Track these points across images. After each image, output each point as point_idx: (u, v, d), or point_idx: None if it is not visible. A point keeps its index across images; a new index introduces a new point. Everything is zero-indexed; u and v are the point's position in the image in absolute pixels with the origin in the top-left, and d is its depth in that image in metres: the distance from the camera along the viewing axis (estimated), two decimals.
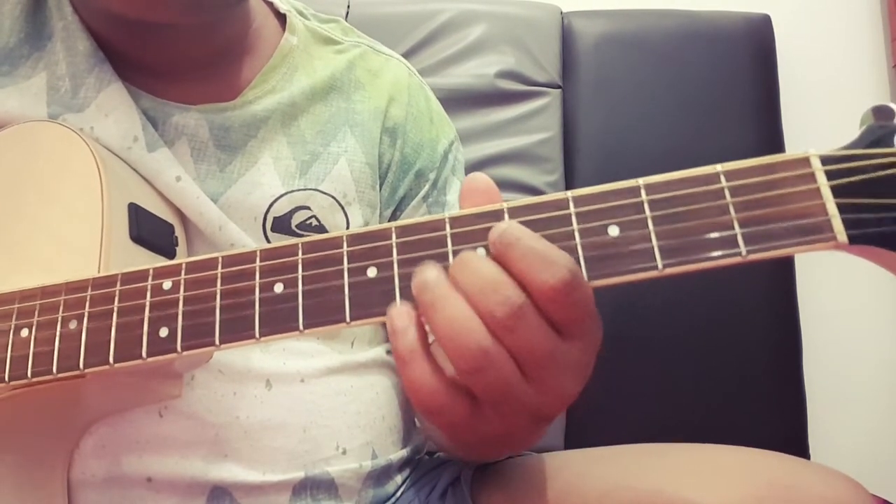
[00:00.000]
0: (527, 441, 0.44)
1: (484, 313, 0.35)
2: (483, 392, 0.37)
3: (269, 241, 0.64)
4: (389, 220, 0.73)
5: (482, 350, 0.35)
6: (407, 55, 1.30)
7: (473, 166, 1.29)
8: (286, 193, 0.65)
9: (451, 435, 0.39)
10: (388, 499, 0.68)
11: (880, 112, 0.35)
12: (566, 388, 0.38)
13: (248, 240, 0.62)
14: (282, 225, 0.65)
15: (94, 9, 0.62)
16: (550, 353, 0.36)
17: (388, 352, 0.73)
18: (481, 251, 0.37)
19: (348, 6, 1.35)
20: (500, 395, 0.37)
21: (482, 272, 0.36)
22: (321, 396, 0.64)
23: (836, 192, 0.34)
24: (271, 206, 0.64)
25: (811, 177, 0.35)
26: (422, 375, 0.37)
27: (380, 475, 0.67)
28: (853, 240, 0.33)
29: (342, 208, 0.67)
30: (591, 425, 1.27)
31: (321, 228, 0.66)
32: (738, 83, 1.37)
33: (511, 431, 0.40)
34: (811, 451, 1.30)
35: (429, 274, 0.36)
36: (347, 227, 0.67)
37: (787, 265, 1.33)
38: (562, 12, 1.41)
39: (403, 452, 0.71)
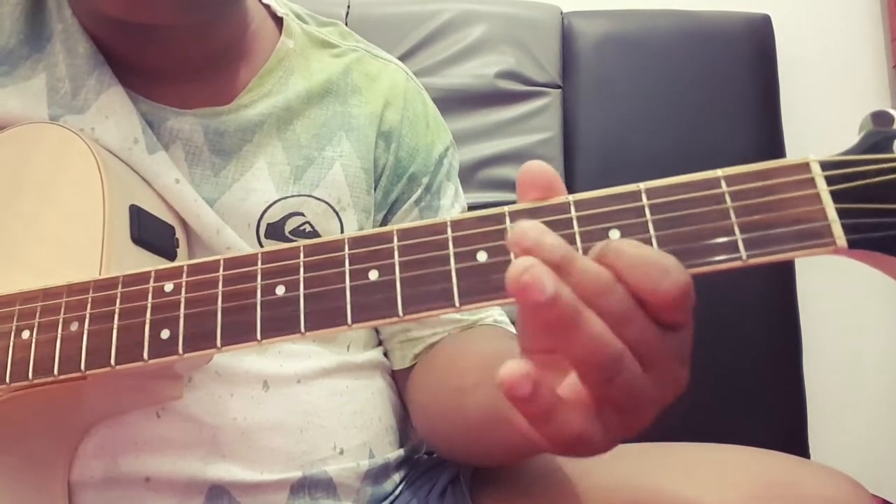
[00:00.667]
0: (632, 432, 0.41)
1: (605, 314, 0.33)
2: (611, 399, 0.35)
3: (262, 248, 0.64)
4: (381, 224, 0.73)
5: (616, 363, 0.33)
6: (407, 55, 1.30)
7: (473, 166, 1.29)
8: (280, 200, 0.65)
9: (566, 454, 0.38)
10: (387, 497, 0.69)
11: (879, 118, 0.35)
12: (678, 376, 0.37)
13: (245, 245, 0.62)
14: (275, 231, 0.65)
15: (89, 12, 0.62)
16: (657, 347, 0.34)
17: (385, 353, 0.73)
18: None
19: (348, 6, 1.35)
20: (628, 395, 0.34)
21: (591, 276, 0.33)
22: (318, 397, 0.64)
23: (836, 197, 0.34)
24: (265, 212, 0.64)
25: (811, 182, 0.35)
26: (574, 422, 0.34)
27: (377, 474, 0.67)
28: (853, 244, 0.33)
29: (336, 214, 0.67)
30: None
31: (315, 234, 0.66)
32: (738, 83, 1.37)
33: (631, 425, 0.37)
34: (811, 451, 1.30)
35: (559, 288, 0.32)
36: (342, 233, 0.67)
37: (787, 266, 1.33)
38: (562, 12, 1.41)
39: (401, 452, 0.71)
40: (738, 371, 1.28)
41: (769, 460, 0.57)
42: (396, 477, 0.70)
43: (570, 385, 0.37)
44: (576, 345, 0.32)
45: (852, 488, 0.53)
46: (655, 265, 0.33)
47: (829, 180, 0.34)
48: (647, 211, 0.36)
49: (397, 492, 0.70)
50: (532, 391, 0.32)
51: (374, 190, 0.72)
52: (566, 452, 0.35)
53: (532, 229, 0.33)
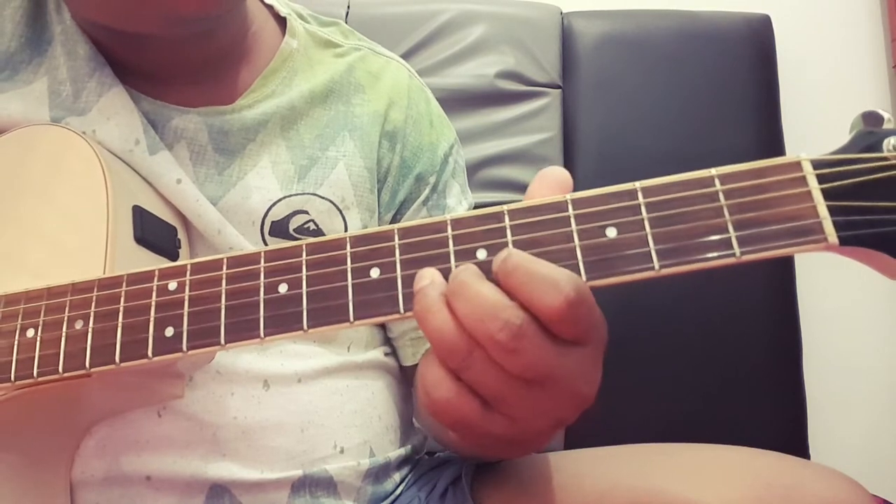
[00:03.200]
0: (542, 442, 0.44)
1: (485, 339, 0.36)
2: (494, 404, 0.38)
3: (266, 245, 0.64)
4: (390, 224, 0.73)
5: (461, 355, 0.37)
6: (407, 56, 1.30)
7: (474, 166, 1.29)
8: (284, 198, 0.65)
9: (463, 436, 0.40)
10: (388, 497, 0.69)
11: (869, 118, 0.36)
12: (579, 392, 0.38)
13: (247, 243, 0.63)
14: (279, 229, 0.65)
15: (83, 19, 0.63)
16: (558, 364, 0.36)
17: (386, 353, 0.74)
18: (473, 267, 0.38)
19: (348, 6, 1.35)
20: (511, 407, 0.37)
21: (480, 298, 0.36)
22: (318, 396, 0.64)
23: (827, 195, 0.35)
24: (269, 210, 0.65)
25: (803, 180, 0.35)
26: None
27: (378, 473, 0.67)
28: (844, 241, 0.34)
29: (340, 212, 0.68)
30: (590, 425, 1.27)
31: (319, 233, 0.66)
32: (738, 83, 1.37)
33: (525, 436, 0.40)
34: (811, 451, 1.31)
35: (431, 302, 0.37)
36: (345, 232, 0.68)
37: (786, 265, 1.33)
38: (562, 12, 1.41)
39: (401, 451, 0.71)
40: (739, 371, 1.28)
41: (769, 461, 0.57)
42: (397, 476, 0.70)
43: None
44: (426, 330, 0.37)
45: (852, 489, 0.53)
46: (544, 280, 0.35)
47: (821, 178, 0.35)
48: (643, 209, 0.37)
49: (398, 491, 0.70)
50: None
51: (381, 190, 0.72)
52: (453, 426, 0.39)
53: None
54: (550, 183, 0.40)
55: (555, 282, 0.35)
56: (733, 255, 0.35)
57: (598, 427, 1.26)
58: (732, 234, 0.35)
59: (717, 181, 0.36)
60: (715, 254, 0.35)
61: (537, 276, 0.35)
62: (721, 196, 0.36)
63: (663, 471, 0.57)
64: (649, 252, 0.36)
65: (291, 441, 0.62)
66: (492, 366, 0.36)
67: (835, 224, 0.34)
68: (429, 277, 0.38)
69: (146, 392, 0.56)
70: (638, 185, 0.37)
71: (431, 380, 0.38)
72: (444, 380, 0.38)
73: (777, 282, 1.32)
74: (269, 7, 0.73)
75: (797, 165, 0.36)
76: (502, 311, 0.35)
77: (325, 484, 0.63)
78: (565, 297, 0.35)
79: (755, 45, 1.39)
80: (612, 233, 0.37)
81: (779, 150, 1.36)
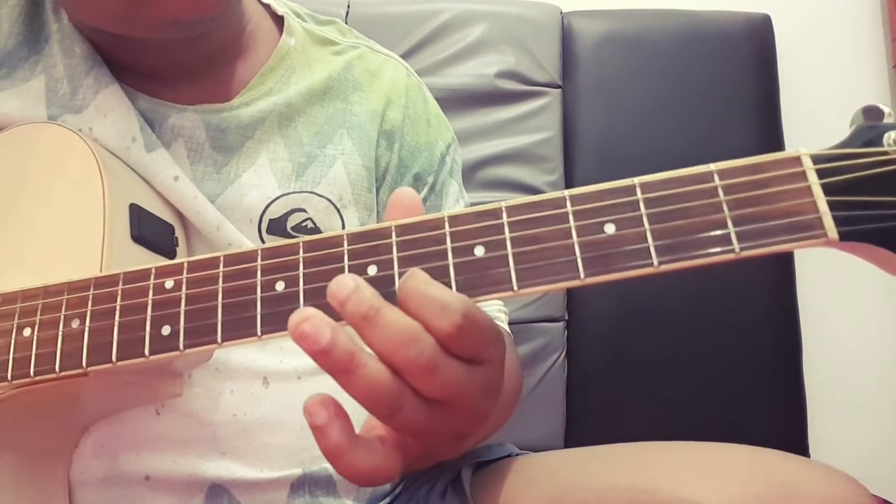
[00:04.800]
0: (449, 455, 0.44)
1: (402, 365, 0.36)
2: (399, 429, 0.38)
3: (264, 243, 0.64)
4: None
5: (394, 401, 0.36)
6: (407, 55, 1.31)
7: (473, 166, 1.30)
8: (282, 196, 0.65)
9: None
10: (387, 496, 0.69)
11: (869, 112, 0.35)
12: (480, 409, 0.39)
13: (246, 240, 0.63)
14: (277, 227, 0.65)
15: (79, 22, 0.63)
16: (464, 385, 0.37)
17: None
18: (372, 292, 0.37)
19: (348, 6, 1.35)
20: (416, 429, 0.38)
21: (395, 327, 0.35)
22: (318, 393, 0.64)
23: (827, 190, 0.35)
24: (267, 208, 0.65)
25: (802, 175, 0.35)
26: (364, 460, 0.37)
27: None
28: (844, 236, 0.34)
29: (338, 211, 0.68)
30: (590, 425, 1.28)
31: (316, 231, 0.66)
32: (738, 83, 1.37)
33: (432, 452, 0.42)
34: (811, 451, 1.31)
35: (335, 339, 0.35)
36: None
37: (786, 264, 1.33)
38: (562, 12, 1.41)
39: None
40: (739, 370, 1.28)
41: (768, 459, 0.57)
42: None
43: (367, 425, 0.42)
44: (353, 387, 0.36)
45: (852, 487, 0.53)
46: (433, 301, 0.36)
47: (821, 173, 0.35)
48: (642, 205, 0.37)
49: (398, 490, 0.70)
50: (324, 422, 0.36)
51: (380, 189, 0.73)
52: (365, 484, 0.38)
53: (347, 281, 0.36)
54: (401, 209, 0.41)
55: (444, 305, 0.35)
56: (732, 250, 0.35)
57: (597, 426, 1.27)
58: (731, 229, 0.35)
59: (716, 176, 0.36)
60: (714, 249, 0.35)
61: (427, 299, 0.36)
62: (720, 191, 0.36)
63: (662, 469, 0.57)
64: (648, 248, 0.36)
65: (291, 439, 0.62)
66: (416, 397, 0.37)
67: (835, 219, 0.34)
68: (325, 325, 0.35)
69: (145, 391, 0.56)
70: (636, 180, 0.37)
71: (361, 463, 0.37)
72: (370, 457, 0.38)
73: (777, 281, 1.33)
74: (266, 6, 0.73)
75: (797, 160, 0.35)
76: (419, 341, 0.36)
77: (325, 483, 0.63)
78: (454, 322, 0.35)
79: (755, 44, 1.40)
80: (610, 229, 0.37)
81: (779, 148, 1.34)
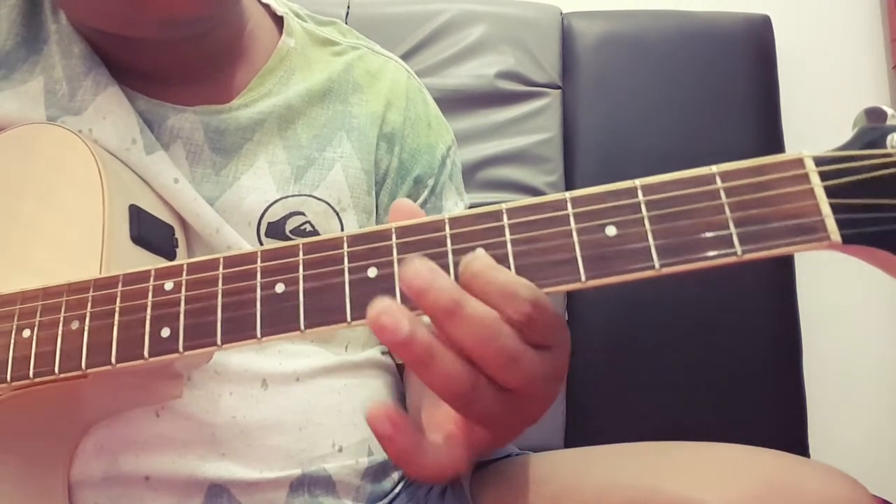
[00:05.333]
0: (512, 439, 0.45)
1: (483, 357, 0.36)
2: (472, 418, 0.39)
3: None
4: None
5: (470, 392, 0.36)
6: (407, 55, 1.30)
7: (473, 166, 1.29)
8: (281, 199, 0.65)
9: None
10: (386, 495, 0.69)
11: (872, 114, 0.35)
12: (549, 393, 0.39)
13: (245, 242, 0.63)
14: (276, 230, 0.65)
15: (77, 22, 0.63)
16: (539, 373, 0.37)
17: (383, 352, 0.73)
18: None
19: (348, 6, 1.35)
20: (489, 418, 0.38)
21: (476, 320, 0.35)
22: (317, 395, 0.64)
23: (830, 192, 0.34)
24: (266, 211, 0.64)
25: (805, 177, 0.35)
26: (430, 461, 0.37)
27: (377, 472, 0.67)
28: (847, 239, 0.34)
29: (336, 214, 0.68)
30: (590, 424, 1.27)
31: (315, 234, 0.66)
32: (738, 83, 1.37)
33: (500, 438, 0.42)
34: (811, 451, 1.30)
35: (414, 331, 0.35)
36: None
37: (786, 264, 1.33)
38: (562, 12, 1.41)
39: None
40: (739, 371, 1.28)
41: (768, 459, 0.56)
42: (396, 475, 0.70)
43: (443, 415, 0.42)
44: (430, 378, 0.36)
45: (852, 487, 0.53)
46: (503, 290, 0.36)
47: (823, 176, 0.35)
48: (644, 207, 0.37)
49: (397, 490, 0.70)
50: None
51: (380, 192, 0.72)
52: (432, 482, 0.38)
53: (423, 271, 0.35)
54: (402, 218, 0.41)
55: (514, 293, 0.36)
56: (734, 253, 0.35)
57: (598, 426, 1.27)
58: (734, 231, 0.35)
59: (717, 178, 0.36)
60: (716, 252, 0.35)
61: (495, 285, 0.36)
62: (722, 193, 0.36)
63: (662, 469, 0.57)
64: (649, 251, 0.36)
65: (290, 440, 0.62)
66: (491, 387, 0.37)
67: (837, 222, 0.34)
68: (403, 317, 0.35)
69: (144, 392, 0.56)
70: (638, 182, 0.37)
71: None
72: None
73: (777, 281, 1.33)
74: (266, 6, 0.73)
75: (799, 162, 0.35)
76: (502, 337, 0.36)
77: (324, 483, 0.63)
78: (524, 312, 0.36)
79: (755, 45, 1.40)
80: (611, 231, 0.37)
81: (779, 149, 1.36)
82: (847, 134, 0.37)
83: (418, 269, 0.35)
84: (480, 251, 0.37)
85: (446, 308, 0.35)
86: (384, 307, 0.35)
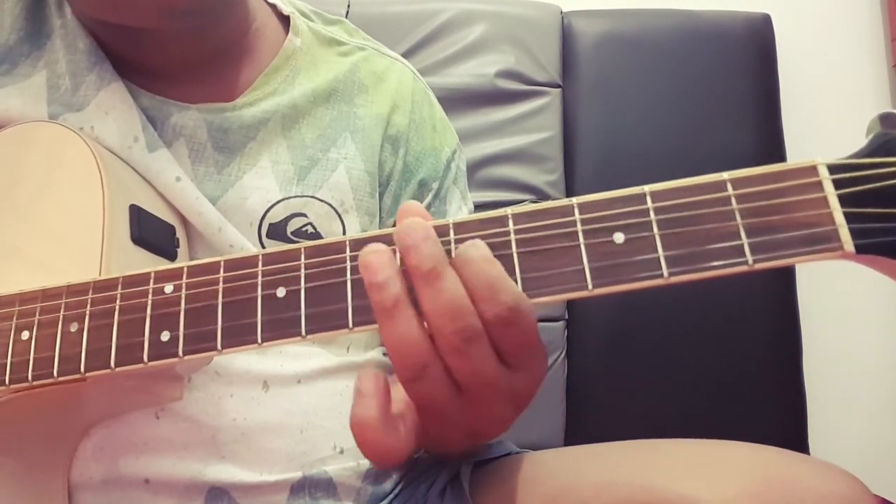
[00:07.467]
0: (456, 451, 0.45)
1: (440, 332, 0.36)
2: (417, 401, 0.39)
3: (264, 247, 0.64)
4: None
5: (421, 364, 0.37)
6: (407, 55, 1.30)
7: (474, 166, 1.29)
8: (283, 199, 0.65)
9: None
10: (387, 496, 0.68)
11: (887, 120, 0.34)
12: (503, 415, 0.39)
13: (247, 242, 0.62)
14: (277, 231, 0.64)
15: (80, 13, 0.62)
16: (493, 381, 0.37)
17: (385, 354, 0.73)
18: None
19: (348, 5, 1.35)
20: (434, 408, 0.38)
21: (448, 296, 0.36)
22: (318, 397, 0.64)
23: (844, 201, 0.34)
24: (267, 211, 0.64)
25: (818, 185, 0.34)
26: (385, 437, 0.38)
27: (378, 473, 0.67)
28: (860, 249, 0.33)
29: (339, 216, 0.67)
30: (590, 423, 1.28)
31: (317, 236, 0.66)
32: (738, 83, 1.37)
33: (442, 441, 0.43)
34: (811, 450, 1.31)
35: (389, 280, 0.37)
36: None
37: (787, 266, 1.33)
38: (562, 12, 1.41)
39: None
40: (739, 371, 1.28)
41: (766, 455, 0.56)
42: (396, 476, 0.70)
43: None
44: (388, 333, 0.37)
45: (851, 483, 0.52)
46: (488, 283, 0.37)
47: (837, 184, 0.34)
48: (652, 213, 0.36)
49: (397, 490, 0.70)
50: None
51: (384, 194, 0.72)
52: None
53: (416, 230, 0.37)
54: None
55: (498, 290, 0.36)
56: (746, 262, 0.34)
57: (597, 424, 1.27)
58: (745, 240, 0.34)
59: (729, 186, 0.35)
60: (726, 261, 0.35)
61: (485, 277, 0.36)
62: (733, 201, 0.35)
63: (661, 466, 0.57)
64: (658, 259, 0.35)
65: (291, 442, 0.61)
66: (443, 372, 0.37)
67: (851, 231, 0.33)
68: (389, 265, 0.37)
69: (144, 394, 0.55)
70: (647, 188, 0.36)
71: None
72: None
73: (777, 281, 1.33)
74: (272, 5, 0.72)
75: (813, 170, 0.35)
76: (465, 314, 0.36)
77: (325, 485, 0.63)
78: (497, 313, 0.36)
79: (755, 44, 1.40)
80: (619, 238, 0.36)
81: (779, 149, 1.36)
82: (847, 133, 0.36)
83: (411, 227, 0.37)
84: (480, 242, 0.37)
85: (426, 272, 0.36)
86: (377, 248, 0.37)
